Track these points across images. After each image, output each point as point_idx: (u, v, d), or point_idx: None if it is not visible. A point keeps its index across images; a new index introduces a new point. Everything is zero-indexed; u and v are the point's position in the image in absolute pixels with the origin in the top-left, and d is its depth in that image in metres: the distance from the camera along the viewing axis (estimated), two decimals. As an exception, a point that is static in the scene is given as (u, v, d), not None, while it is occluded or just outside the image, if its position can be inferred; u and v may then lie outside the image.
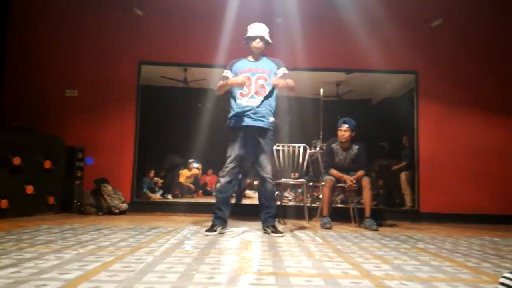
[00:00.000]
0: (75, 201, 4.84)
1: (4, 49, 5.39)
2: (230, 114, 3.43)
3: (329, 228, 3.94)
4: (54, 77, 5.38)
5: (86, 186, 4.98)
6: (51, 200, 4.56)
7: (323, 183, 4.46)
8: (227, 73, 3.48)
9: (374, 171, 7.96)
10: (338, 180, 4.32)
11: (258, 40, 3.43)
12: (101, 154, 5.22)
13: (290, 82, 3.37)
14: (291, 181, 4.85)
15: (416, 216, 5.35)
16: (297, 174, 5.21)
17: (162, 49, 5.43)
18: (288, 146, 4.75)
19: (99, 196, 4.76)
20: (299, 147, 4.75)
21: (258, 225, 4.05)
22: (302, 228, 3.96)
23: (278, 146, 4.75)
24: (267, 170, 3.36)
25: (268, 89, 3.40)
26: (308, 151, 4.75)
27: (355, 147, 4.37)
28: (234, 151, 3.34)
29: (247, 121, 3.33)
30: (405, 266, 2.13)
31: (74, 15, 5.50)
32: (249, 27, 3.49)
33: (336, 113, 7.70)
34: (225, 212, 3.40)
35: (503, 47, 5.63)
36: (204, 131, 7.23)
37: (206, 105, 8.24)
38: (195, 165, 9.33)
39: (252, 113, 3.33)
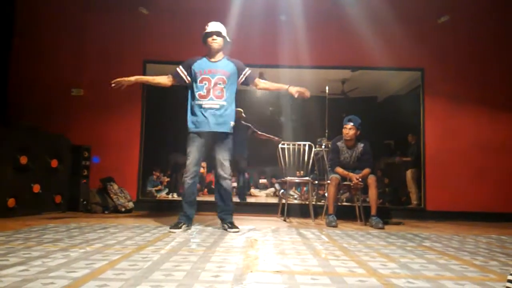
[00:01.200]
0: (82, 200, 4.87)
1: (10, 49, 5.42)
2: (189, 115, 3.41)
3: (335, 226, 3.93)
4: (60, 76, 5.41)
5: (92, 185, 5.01)
6: (58, 199, 4.59)
7: (328, 181, 4.46)
8: (181, 70, 3.46)
9: (380, 169, 7.94)
10: (343, 178, 4.32)
11: (214, 36, 3.37)
12: (107, 153, 5.25)
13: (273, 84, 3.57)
14: (297, 180, 4.85)
15: (422, 214, 5.33)
16: (302, 172, 5.21)
17: (166, 48, 5.44)
18: (293, 145, 4.75)
19: (105, 195, 4.78)
20: (304, 145, 4.74)
21: (264, 223, 4.07)
22: (307, 226, 3.96)
23: (283, 144, 4.75)
24: (225, 168, 3.39)
25: (225, 92, 3.38)
26: (313, 149, 4.75)
27: (361, 145, 4.35)
28: (194, 154, 3.34)
29: (209, 126, 3.32)
30: (412, 264, 2.12)
31: (80, 15, 5.52)
32: (206, 26, 3.44)
33: (341, 111, 7.71)
34: (190, 211, 3.42)
35: (510, 44, 5.58)
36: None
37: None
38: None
39: (213, 117, 3.32)
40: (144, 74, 5.46)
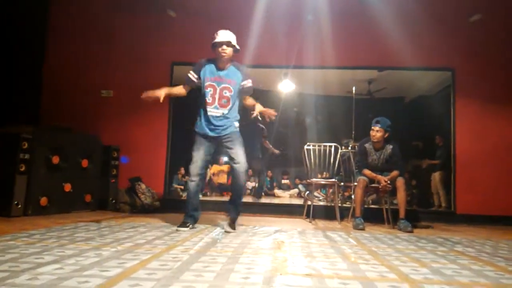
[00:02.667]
0: (111, 199, 4.98)
1: (44, 52, 5.60)
2: (198, 118, 3.47)
3: (362, 229, 3.88)
4: (91, 78, 5.55)
5: (121, 185, 5.11)
6: (88, 198, 4.70)
7: (355, 183, 4.41)
8: (192, 75, 3.45)
9: (408, 171, 7.78)
10: (371, 180, 4.25)
11: (224, 46, 3.34)
12: (135, 153, 5.35)
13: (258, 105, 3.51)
14: (322, 181, 4.81)
15: (452, 218, 5.19)
16: (325, 174, 5.16)
17: (193, 50, 5.46)
18: (319, 146, 4.71)
19: (133, 194, 4.87)
20: (330, 146, 4.70)
21: (289, 225, 4.05)
22: (334, 228, 3.92)
23: (308, 145, 4.72)
24: (239, 159, 3.35)
25: (231, 100, 3.41)
26: (339, 151, 4.70)
27: (389, 147, 4.28)
28: (199, 157, 3.38)
29: (212, 132, 3.39)
30: (444, 270, 2.07)
31: (109, 19, 5.65)
32: (215, 34, 3.40)
33: (368, 112, 7.60)
34: (196, 212, 3.49)
35: (545, 43, 5.38)
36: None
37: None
38: (225, 159, 9.38)
39: (215, 125, 3.38)
40: (171, 76, 5.55)
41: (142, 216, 4.38)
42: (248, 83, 3.49)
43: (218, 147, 3.48)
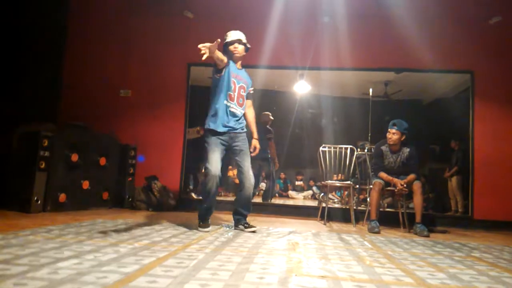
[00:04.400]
0: (127, 196, 5.04)
1: (63, 52, 5.71)
2: (213, 113, 3.30)
3: (378, 232, 3.85)
4: (110, 78, 5.65)
5: (138, 183, 5.18)
6: (105, 195, 4.78)
7: (370, 186, 4.38)
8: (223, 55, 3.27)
9: (424, 175, 7.69)
10: (387, 183, 4.22)
11: (236, 44, 3.35)
12: (151, 152, 5.41)
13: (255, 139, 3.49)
14: (338, 183, 4.79)
15: (469, 223, 5.11)
16: (340, 175, 5.14)
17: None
18: (335, 148, 4.69)
19: (150, 193, 4.93)
20: (346, 148, 4.68)
21: (304, 226, 4.05)
22: (348, 231, 3.90)
23: (324, 147, 4.71)
24: (249, 176, 3.33)
25: (244, 101, 3.44)
26: (355, 153, 4.67)
27: (406, 150, 4.23)
28: (217, 158, 3.21)
29: (230, 130, 3.30)
30: (462, 275, 2.05)
31: (127, 20, 5.73)
32: (225, 36, 3.40)
33: (384, 114, 7.55)
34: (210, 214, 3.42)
35: None
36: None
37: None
38: None
39: (235, 123, 3.33)
40: (188, 77, 5.60)
41: (158, 214, 4.43)
42: (252, 90, 3.56)
43: (228, 151, 3.35)
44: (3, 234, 2.47)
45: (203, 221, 3.30)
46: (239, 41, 3.36)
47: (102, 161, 4.70)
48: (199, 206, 3.38)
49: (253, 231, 3.31)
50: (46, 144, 4.03)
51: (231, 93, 3.30)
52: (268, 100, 9.13)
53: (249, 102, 3.53)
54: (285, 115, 9.39)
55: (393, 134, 4.19)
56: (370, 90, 6.75)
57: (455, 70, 5.65)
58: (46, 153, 4.04)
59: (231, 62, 3.35)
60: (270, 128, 6.68)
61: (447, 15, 5.31)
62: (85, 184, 4.47)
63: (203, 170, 3.36)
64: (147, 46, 5.71)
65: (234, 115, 3.32)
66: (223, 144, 3.28)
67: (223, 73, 3.28)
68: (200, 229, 3.24)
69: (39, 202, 3.94)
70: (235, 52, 3.36)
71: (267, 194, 6.71)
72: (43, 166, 4.00)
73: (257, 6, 5.41)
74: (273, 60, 5.46)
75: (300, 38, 5.47)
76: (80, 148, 4.41)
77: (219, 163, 3.23)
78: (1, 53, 3.63)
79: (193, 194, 6.73)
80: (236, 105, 3.34)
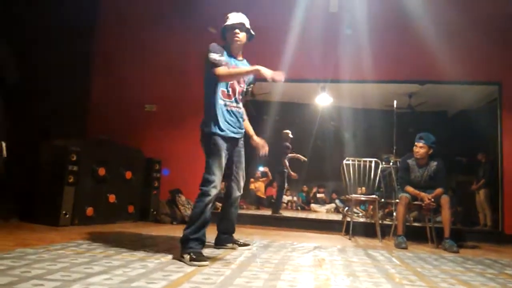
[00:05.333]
0: (152, 210, 5.10)
1: (91, 68, 5.88)
2: (213, 116, 2.72)
3: (405, 248, 3.76)
4: (135, 93, 5.78)
5: (162, 196, 5.23)
6: (131, 208, 4.84)
7: (396, 200, 4.30)
8: (221, 58, 2.69)
9: (451, 188, 7.51)
10: (414, 197, 4.13)
11: (237, 30, 2.80)
12: (175, 165, 5.47)
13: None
14: (363, 197, 4.72)
15: (499, 238, 4.94)
16: (363, 189, 5.07)
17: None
18: (359, 161, 4.64)
19: (174, 206, 4.97)
20: (370, 162, 4.62)
21: (328, 241, 4.00)
22: (375, 247, 3.83)
23: (348, 160, 4.66)
24: (243, 172, 2.96)
25: (242, 97, 2.93)
26: (380, 166, 4.61)
27: (433, 164, 4.15)
28: (221, 167, 2.72)
29: (233, 130, 2.80)
30: (496, 295, 1.98)
31: (152, 35, 5.86)
32: (226, 17, 2.87)
33: (408, 126, 7.43)
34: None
35: None
36: (269, 141, 7.29)
37: (273, 117, 8.35)
38: (261, 169, 9.42)
39: (237, 122, 2.84)
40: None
41: (182, 228, 4.44)
42: (250, 88, 3.05)
43: (232, 148, 2.86)
44: (34, 249, 2.53)
45: (198, 255, 2.41)
46: (241, 25, 2.82)
47: (128, 175, 4.77)
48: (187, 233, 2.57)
49: (247, 245, 3.15)
50: (74, 158, 4.12)
51: (226, 91, 2.78)
52: (290, 113, 9.15)
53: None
54: (307, 127, 9.37)
55: (420, 148, 4.12)
56: (395, 102, 6.66)
57: (482, 81, 5.55)
58: (74, 168, 4.13)
59: (225, 52, 2.79)
60: (289, 145, 6.81)
61: (473, 26, 5.22)
62: (112, 198, 4.54)
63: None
64: (171, 61, 5.81)
65: (236, 112, 2.82)
66: (226, 153, 2.77)
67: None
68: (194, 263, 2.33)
69: (67, 216, 4.02)
70: (235, 38, 2.82)
71: (277, 206, 6.71)
72: (71, 180, 4.09)
73: (278, 21, 5.46)
74: (295, 73, 5.46)
75: (322, 51, 5.48)
76: (107, 162, 4.50)
77: (222, 174, 2.75)
78: (29, 68, 3.77)
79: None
80: (238, 101, 2.85)
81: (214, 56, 2.67)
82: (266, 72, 2.58)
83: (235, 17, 2.84)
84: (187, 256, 2.36)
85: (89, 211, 4.26)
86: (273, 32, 5.44)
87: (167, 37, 5.83)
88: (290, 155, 6.96)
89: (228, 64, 2.74)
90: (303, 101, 9.04)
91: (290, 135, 6.92)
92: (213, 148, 2.70)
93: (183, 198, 5.06)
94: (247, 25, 2.87)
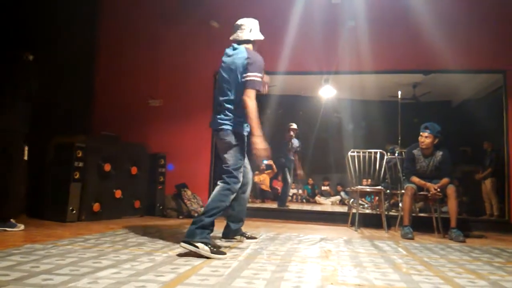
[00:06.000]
0: (158, 204, 5.12)
1: (95, 64, 5.89)
2: (240, 119, 2.79)
3: (411, 238, 3.76)
4: (139, 89, 5.77)
5: (168, 191, 5.25)
6: (137, 204, 4.86)
7: (402, 191, 4.29)
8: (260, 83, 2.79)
9: (456, 178, 7.48)
10: (419, 188, 4.12)
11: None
12: (180, 160, 5.48)
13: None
14: (368, 189, 4.72)
15: (506, 227, 4.92)
16: (369, 181, 5.05)
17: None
18: (364, 152, 4.63)
19: (180, 200, 4.99)
20: (375, 153, 4.60)
21: (334, 233, 4.00)
22: (381, 238, 3.83)
23: (353, 152, 4.65)
24: (249, 176, 3.08)
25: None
26: (385, 157, 4.59)
27: (439, 154, 4.13)
28: (243, 159, 2.82)
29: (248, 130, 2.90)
30: (504, 282, 1.98)
31: (156, 31, 5.84)
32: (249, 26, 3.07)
33: (413, 116, 7.40)
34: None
35: None
36: (274, 136, 7.27)
37: (278, 111, 8.34)
38: (266, 162, 9.39)
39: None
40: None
41: (188, 222, 4.46)
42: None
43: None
44: (43, 244, 2.55)
45: (217, 247, 2.61)
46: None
47: (134, 170, 4.79)
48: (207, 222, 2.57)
49: (255, 238, 3.20)
50: (80, 155, 4.15)
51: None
52: (293, 106, 9.12)
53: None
54: (311, 120, 9.34)
55: (425, 138, 4.10)
56: (399, 93, 6.62)
57: (487, 70, 5.49)
58: (80, 164, 4.15)
59: None
60: (292, 142, 6.78)
61: (476, 14, 5.17)
62: (118, 193, 4.56)
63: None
64: (175, 56, 5.80)
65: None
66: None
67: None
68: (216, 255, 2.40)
69: (74, 211, 4.05)
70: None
71: (283, 199, 6.69)
72: (77, 176, 4.11)
73: (280, 14, 5.42)
74: (298, 66, 5.46)
75: (325, 43, 5.44)
76: (112, 158, 4.51)
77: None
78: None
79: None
80: None
81: (259, 77, 2.74)
82: (258, 144, 2.67)
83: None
84: (206, 247, 2.37)
85: (96, 206, 4.28)
86: (276, 23, 5.41)
87: (171, 31, 5.81)
88: (292, 157, 6.80)
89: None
90: (307, 93, 9.01)
91: (294, 126, 6.73)
92: (245, 147, 2.82)
93: (189, 192, 5.08)
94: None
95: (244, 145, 2.83)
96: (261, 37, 3.04)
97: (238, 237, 3.13)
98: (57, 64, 4.87)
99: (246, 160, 3.01)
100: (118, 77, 5.84)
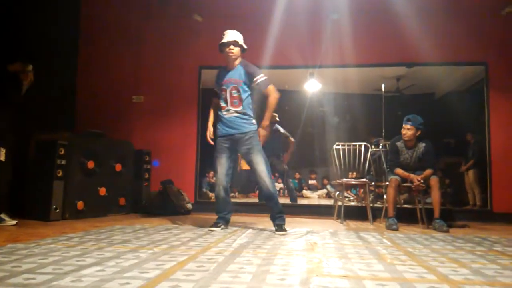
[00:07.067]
0: (144, 201, 5.08)
1: (77, 60, 5.79)
2: (217, 126, 3.57)
3: (396, 229, 3.81)
4: (122, 84, 5.71)
5: (153, 187, 5.21)
6: (122, 201, 4.82)
7: (386, 183, 4.34)
8: (216, 88, 3.62)
9: (440, 169, 7.60)
10: (403, 179, 4.17)
11: (231, 46, 3.44)
12: (166, 156, 5.45)
13: (270, 105, 3.49)
14: (353, 181, 4.76)
15: (488, 216, 5.03)
16: (355, 173, 5.08)
17: (220, 53, 5.53)
18: (348, 145, 4.66)
19: (165, 197, 4.96)
20: (360, 145, 4.64)
21: (320, 226, 4.03)
22: (366, 229, 3.87)
23: (338, 145, 4.68)
24: (260, 169, 3.37)
25: (242, 99, 3.46)
26: (369, 150, 4.63)
27: (422, 145, 4.19)
28: (223, 163, 3.48)
29: (230, 129, 3.45)
30: (485, 270, 2.02)
31: (139, 25, 5.78)
32: (223, 35, 3.50)
33: (397, 109, 7.47)
34: (227, 215, 3.60)
35: None
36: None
37: (260, 104, 8.31)
38: None
39: (230, 125, 3.45)
40: (199, 80, 5.63)
41: (175, 219, 4.46)
42: (260, 78, 3.47)
43: (237, 147, 3.49)
44: (25, 244, 2.51)
45: (215, 221, 3.56)
46: (234, 43, 3.45)
47: (118, 167, 4.74)
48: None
49: (283, 234, 3.27)
50: (62, 152, 4.08)
51: (221, 103, 3.52)
52: (279, 100, 9.12)
53: (270, 91, 3.49)
54: (296, 114, 9.36)
55: (408, 130, 4.15)
56: (383, 86, 6.67)
57: (469, 62, 5.56)
58: (63, 162, 4.09)
59: (220, 73, 3.59)
60: (277, 128, 6.63)
61: (459, 7, 5.24)
62: (102, 191, 4.51)
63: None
64: (157, 51, 5.75)
65: (229, 119, 3.47)
66: (227, 147, 3.50)
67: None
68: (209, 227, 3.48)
69: (57, 210, 4.00)
70: (230, 54, 3.47)
71: (291, 193, 6.57)
72: (60, 174, 4.05)
73: (264, 7, 5.39)
74: (283, 59, 5.46)
75: (309, 37, 5.46)
76: (96, 155, 4.46)
77: (225, 169, 3.50)
78: (13, 62, 3.73)
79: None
80: (231, 108, 3.46)
81: (214, 89, 3.65)
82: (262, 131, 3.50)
83: (229, 35, 3.46)
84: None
85: (80, 204, 4.23)
86: (260, 17, 5.40)
87: (153, 26, 5.76)
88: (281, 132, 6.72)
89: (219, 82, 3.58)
90: (292, 87, 9.01)
91: (277, 118, 6.76)
92: (216, 149, 3.58)
93: (174, 188, 5.04)
94: (240, 41, 3.49)
95: (217, 148, 3.56)
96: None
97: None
98: (38, 61, 4.77)
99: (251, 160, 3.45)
100: (100, 74, 5.76)
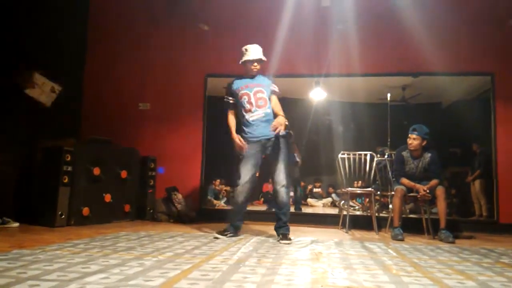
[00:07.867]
0: (148, 208, 5.09)
1: (84, 66, 5.84)
2: (243, 131, 3.56)
3: (401, 240, 3.78)
4: (128, 92, 5.74)
5: (158, 194, 5.22)
6: (127, 207, 4.82)
7: (392, 193, 4.32)
8: (227, 99, 3.67)
9: (446, 179, 7.55)
10: (409, 189, 4.15)
11: (255, 63, 3.57)
12: (171, 163, 5.46)
13: (281, 116, 3.55)
14: (359, 191, 4.74)
15: (494, 227, 4.98)
16: (360, 182, 5.06)
17: (226, 61, 5.55)
18: (354, 154, 4.65)
19: (170, 204, 4.96)
20: (365, 155, 4.63)
21: (325, 235, 4.01)
22: (372, 239, 3.85)
23: (343, 154, 4.67)
24: (280, 178, 3.43)
25: (267, 100, 3.57)
26: (375, 159, 4.62)
27: (427, 155, 4.17)
28: (248, 167, 3.45)
29: (258, 133, 3.48)
30: (492, 283, 2.00)
31: (146, 33, 5.83)
32: (245, 49, 3.60)
33: (403, 119, 7.45)
34: (239, 222, 3.63)
35: None
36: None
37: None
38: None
39: (258, 129, 3.49)
40: (205, 88, 5.66)
41: (179, 226, 4.46)
42: (275, 87, 3.67)
43: (265, 151, 3.51)
44: (30, 250, 2.52)
45: (225, 228, 3.57)
46: (259, 61, 3.59)
47: (123, 174, 4.75)
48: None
49: (288, 243, 3.25)
50: (68, 159, 4.11)
51: (245, 107, 3.55)
52: (284, 108, 9.13)
53: (273, 97, 3.65)
54: (301, 122, 9.36)
55: (413, 140, 4.14)
56: (388, 95, 6.66)
57: (475, 72, 5.55)
58: (69, 168, 4.11)
59: (235, 83, 3.65)
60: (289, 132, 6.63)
61: (464, 17, 5.24)
62: (107, 197, 4.52)
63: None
64: (164, 59, 5.78)
65: (257, 120, 3.52)
66: (256, 152, 3.49)
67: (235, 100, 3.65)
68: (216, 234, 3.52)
69: (63, 216, 4.01)
70: (254, 70, 3.60)
71: (299, 201, 6.56)
72: (66, 180, 4.07)
73: (270, 17, 5.43)
74: (289, 68, 5.47)
75: (315, 46, 5.48)
76: (102, 161, 4.47)
77: (251, 173, 3.47)
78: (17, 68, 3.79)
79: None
80: (257, 109, 3.53)
81: (224, 99, 3.73)
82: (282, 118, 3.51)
83: (254, 53, 3.57)
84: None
85: (85, 211, 4.24)
86: (266, 26, 5.43)
87: (160, 34, 5.80)
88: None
89: (232, 105, 3.68)
90: (297, 96, 9.03)
91: (286, 123, 6.71)
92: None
93: (179, 196, 5.05)
94: (263, 58, 3.61)
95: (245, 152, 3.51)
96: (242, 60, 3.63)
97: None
98: (44, 67, 4.82)
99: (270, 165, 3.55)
100: (107, 81, 5.80)
